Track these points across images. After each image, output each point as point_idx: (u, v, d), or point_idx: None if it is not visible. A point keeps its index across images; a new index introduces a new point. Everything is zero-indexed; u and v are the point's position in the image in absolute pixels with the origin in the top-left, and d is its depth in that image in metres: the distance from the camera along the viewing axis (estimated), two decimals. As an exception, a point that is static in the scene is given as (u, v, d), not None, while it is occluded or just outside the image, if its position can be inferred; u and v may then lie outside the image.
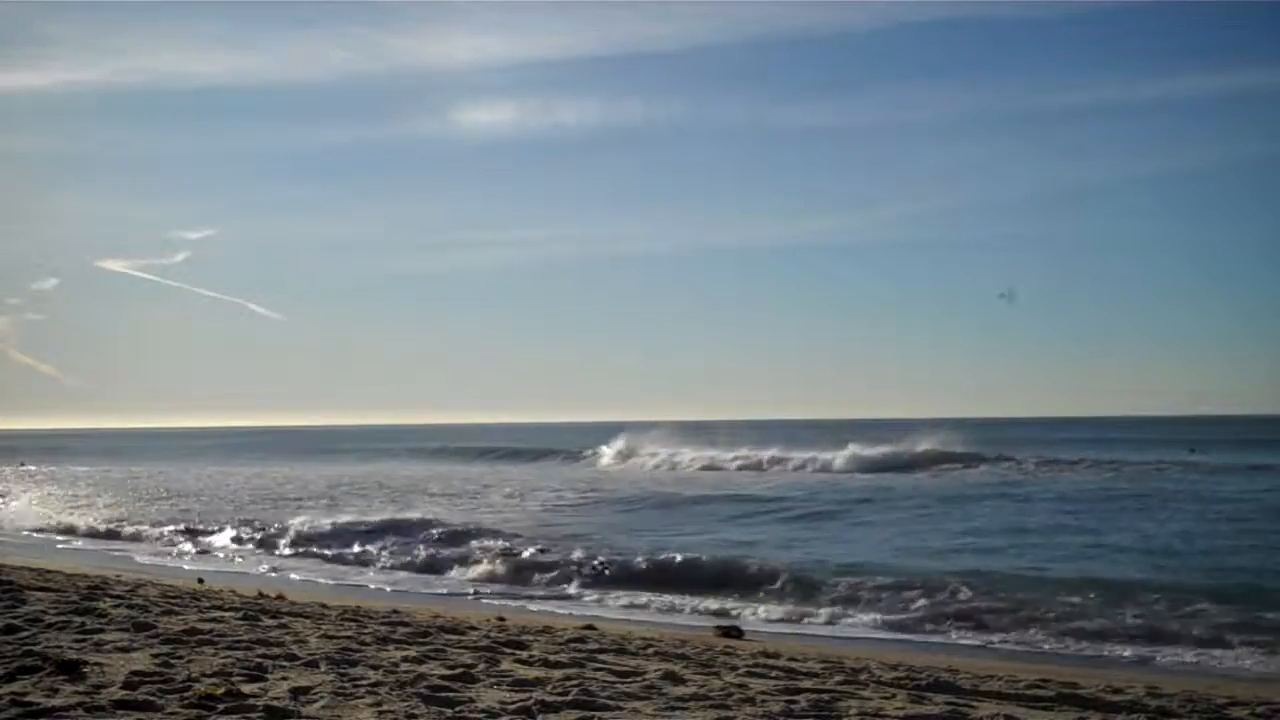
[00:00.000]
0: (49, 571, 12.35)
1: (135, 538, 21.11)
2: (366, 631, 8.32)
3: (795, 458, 41.54)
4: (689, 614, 12.93)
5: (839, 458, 40.00)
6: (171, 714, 4.88)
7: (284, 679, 5.83)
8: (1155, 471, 33.81)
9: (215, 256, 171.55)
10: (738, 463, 42.75)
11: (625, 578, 15.02)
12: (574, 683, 6.27)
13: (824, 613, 12.65)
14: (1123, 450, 45.35)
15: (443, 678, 6.18)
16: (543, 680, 6.32)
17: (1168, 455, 40.92)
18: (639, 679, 6.66)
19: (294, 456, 61.92)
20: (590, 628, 10.18)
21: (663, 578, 14.90)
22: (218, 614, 8.73)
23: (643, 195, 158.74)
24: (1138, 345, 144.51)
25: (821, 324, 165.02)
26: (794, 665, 8.06)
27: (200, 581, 13.55)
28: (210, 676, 5.71)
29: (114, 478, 39.48)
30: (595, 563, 15.84)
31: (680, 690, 6.30)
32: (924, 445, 40.50)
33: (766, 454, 43.04)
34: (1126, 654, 10.45)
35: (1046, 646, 10.89)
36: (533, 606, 13.40)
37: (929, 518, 21.74)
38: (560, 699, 5.73)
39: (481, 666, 6.73)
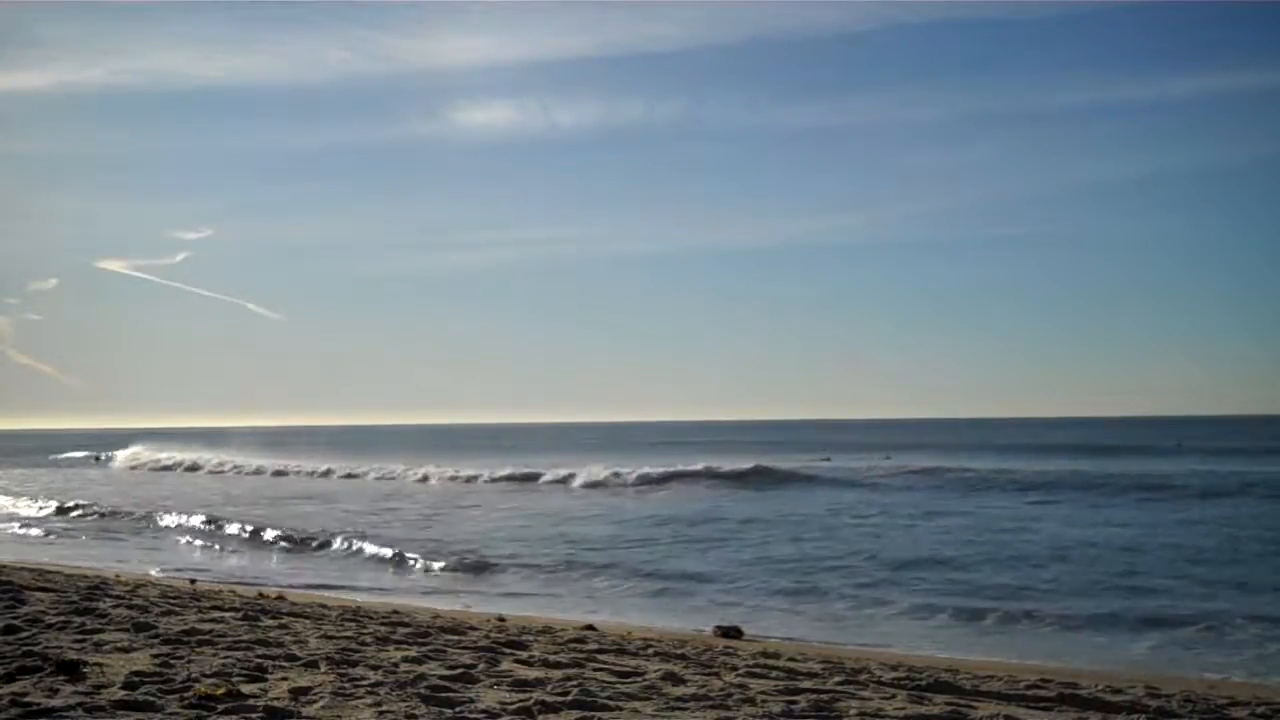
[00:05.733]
0: (49, 571, 12.36)
1: None
2: (366, 632, 8.32)
3: (305, 467, 44.01)
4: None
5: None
6: (171, 714, 4.87)
7: (284, 679, 5.82)
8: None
9: (214, 256, 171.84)
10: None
11: None
12: (574, 683, 6.26)
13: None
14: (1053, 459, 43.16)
15: (443, 678, 6.17)
16: (543, 680, 6.32)
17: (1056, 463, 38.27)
18: (639, 679, 6.66)
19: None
20: (590, 628, 10.19)
21: None
22: (217, 614, 8.73)
23: (643, 195, 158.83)
24: (1136, 345, 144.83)
25: (821, 324, 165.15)
26: (794, 665, 8.06)
27: (192, 582, 13.56)
28: (210, 677, 5.70)
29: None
30: None
31: (680, 690, 6.30)
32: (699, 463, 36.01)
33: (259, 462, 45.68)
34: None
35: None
36: None
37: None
38: (560, 699, 5.73)
39: (481, 667, 6.73)
